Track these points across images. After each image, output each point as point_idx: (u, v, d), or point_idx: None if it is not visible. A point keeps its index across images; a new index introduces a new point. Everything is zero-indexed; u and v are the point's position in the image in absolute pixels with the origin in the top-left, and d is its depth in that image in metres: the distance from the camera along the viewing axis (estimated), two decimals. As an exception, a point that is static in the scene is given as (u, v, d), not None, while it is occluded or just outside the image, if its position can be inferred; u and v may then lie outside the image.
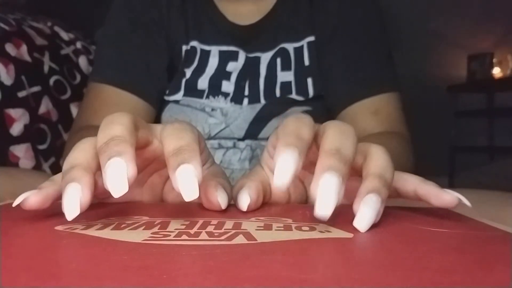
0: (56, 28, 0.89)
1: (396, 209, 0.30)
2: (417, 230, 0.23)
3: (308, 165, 0.30)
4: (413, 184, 0.27)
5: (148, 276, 0.14)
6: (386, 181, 0.24)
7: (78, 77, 0.90)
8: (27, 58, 0.77)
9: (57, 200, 0.25)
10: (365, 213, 0.23)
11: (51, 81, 0.81)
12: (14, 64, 0.73)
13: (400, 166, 0.48)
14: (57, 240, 0.20)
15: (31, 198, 0.23)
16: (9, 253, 0.17)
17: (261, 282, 0.14)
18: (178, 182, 0.22)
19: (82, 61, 0.92)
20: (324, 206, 0.22)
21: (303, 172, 0.32)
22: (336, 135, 0.25)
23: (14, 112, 0.71)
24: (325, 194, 0.22)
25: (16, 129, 0.71)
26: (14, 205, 0.24)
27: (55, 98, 0.80)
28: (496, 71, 2.73)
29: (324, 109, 0.62)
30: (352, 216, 0.23)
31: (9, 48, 0.74)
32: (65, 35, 0.90)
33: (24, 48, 0.77)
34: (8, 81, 0.72)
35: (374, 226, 0.23)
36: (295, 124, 0.26)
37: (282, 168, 0.22)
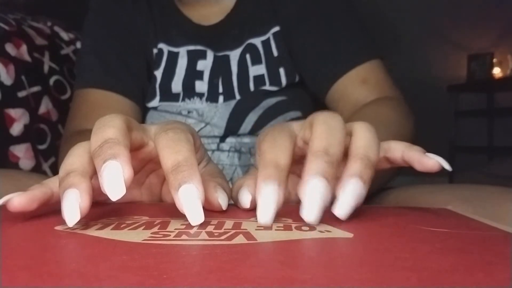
0: (56, 28, 0.89)
1: (396, 209, 0.30)
2: (417, 230, 0.22)
3: (303, 160, 0.30)
4: (400, 151, 0.28)
5: (148, 276, 0.14)
6: (370, 160, 0.25)
7: (78, 77, 0.89)
8: (27, 58, 0.77)
9: (45, 202, 0.25)
10: (344, 201, 0.23)
11: (51, 81, 0.81)
12: (14, 64, 0.73)
13: (397, 132, 0.48)
14: (57, 240, 0.20)
15: (15, 199, 0.23)
16: (9, 253, 0.17)
17: (261, 282, 0.14)
18: (183, 206, 0.22)
19: (82, 61, 0.91)
20: (311, 212, 0.22)
21: (301, 166, 0.32)
22: (324, 134, 0.25)
23: (14, 112, 0.71)
24: (311, 201, 0.22)
25: (16, 129, 0.71)
26: None
27: (55, 98, 0.80)
28: (496, 71, 2.73)
29: (298, 96, 0.62)
30: (351, 215, 0.24)
31: (9, 48, 0.74)
32: (65, 35, 0.90)
33: (24, 48, 0.77)
34: (8, 81, 0.72)
35: (374, 226, 0.23)
36: (272, 151, 0.25)
37: (264, 205, 0.23)
